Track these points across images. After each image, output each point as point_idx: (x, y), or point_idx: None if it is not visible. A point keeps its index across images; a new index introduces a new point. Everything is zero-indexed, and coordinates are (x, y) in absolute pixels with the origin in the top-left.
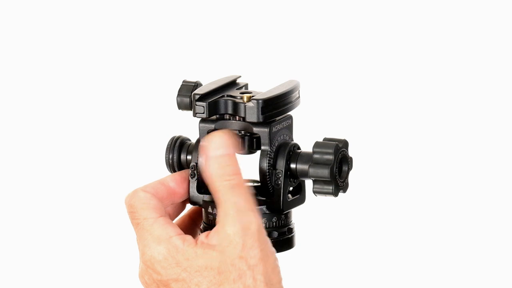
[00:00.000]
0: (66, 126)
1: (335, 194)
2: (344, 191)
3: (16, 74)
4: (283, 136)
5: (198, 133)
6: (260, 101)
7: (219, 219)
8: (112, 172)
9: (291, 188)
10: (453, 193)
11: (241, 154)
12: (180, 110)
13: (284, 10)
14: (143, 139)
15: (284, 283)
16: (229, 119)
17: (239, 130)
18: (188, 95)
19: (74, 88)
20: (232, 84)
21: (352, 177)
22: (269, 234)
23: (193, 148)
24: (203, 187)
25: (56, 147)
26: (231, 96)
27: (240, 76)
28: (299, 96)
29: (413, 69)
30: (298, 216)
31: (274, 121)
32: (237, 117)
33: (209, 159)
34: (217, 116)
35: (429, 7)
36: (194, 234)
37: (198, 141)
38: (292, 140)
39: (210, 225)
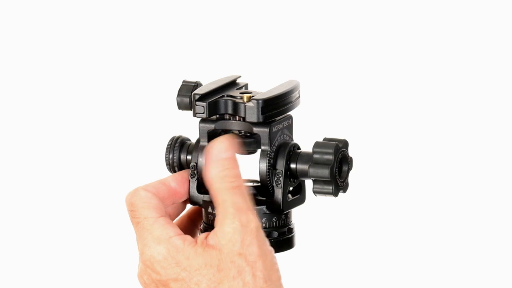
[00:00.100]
0: (67, 126)
1: (335, 194)
2: (344, 191)
3: (16, 75)
4: (283, 136)
5: (198, 133)
6: (260, 101)
7: (218, 219)
8: (112, 172)
9: (291, 188)
10: (453, 193)
11: (242, 154)
12: (180, 110)
13: (284, 10)
14: (143, 139)
15: (283, 282)
16: (229, 119)
17: (239, 130)
18: (188, 95)
19: (74, 88)
20: (232, 84)
21: (352, 177)
22: (269, 234)
23: (193, 148)
24: (203, 187)
25: (56, 147)
26: (231, 96)
27: (240, 76)
28: (299, 96)
29: (413, 69)
30: (298, 216)
31: (274, 121)
32: (237, 117)
33: (211, 162)
34: (217, 116)
35: (429, 7)
36: (193, 235)
37: (198, 141)
38: (292, 140)
39: (210, 225)
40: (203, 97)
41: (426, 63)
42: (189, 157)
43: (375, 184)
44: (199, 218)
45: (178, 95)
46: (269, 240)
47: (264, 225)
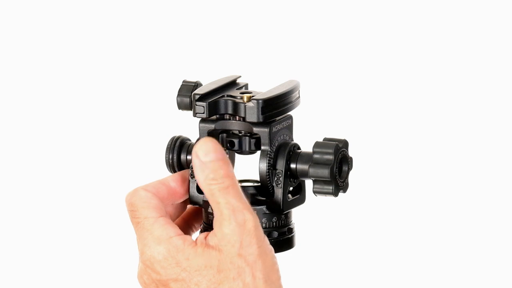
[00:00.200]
0: (67, 126)
1: (335, 194)
2: (344, 191)
3: (16, 75)
4: (283, 136)
5: (198, 133)
6: (260, 101)
7: (215, 221)
8: (112, 172)
9: (291, 188)
10: (453, 193)
11: (242, 154)
12: (180, 110)
13: (284, 10)
14: (143, 139)
15: (283, 282)
16: (229, 119)
17: (239, 130)
18: (188, 95)
19: (75, 89)
20: (232, 84)
21: (352, 177)
22: (269, 234)
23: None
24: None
25: (56, 147)
26: (231, 96)
27: (240, 76)
28: (299, 96)
29: (413, 69)
30: (298, 216)
31: (274, 121)
32: (237, 117)
33: (200, 164)
34: (217, 116)
35: (429, 7)
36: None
37: (198, 141)
38: (292, 140)
39: (210, 225)
40: (203, 97)
41: (426, 63)
42: (189, 157)
43: (375, 184)
44: (192, 219)
45: (178, 95)
46: (269, 240)
47: (264, 225)
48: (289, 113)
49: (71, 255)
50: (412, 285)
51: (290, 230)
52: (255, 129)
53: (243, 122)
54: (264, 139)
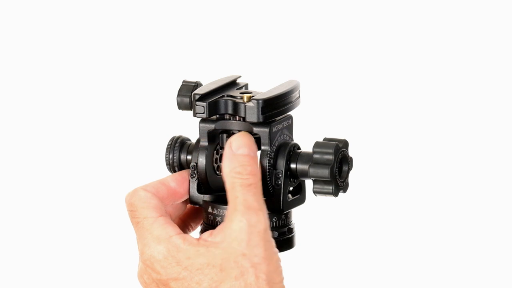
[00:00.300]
0: (67, 126)
1: (335, 194)
2: (344, 191)
3: (16, 75)
4: (283, 136)
5: (198, 133)
6: (260, 101)
7: (227, 215)
8: (112, 172)
9: (291, 188)
10: (453, 193)
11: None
12: (180, 110)
13: (284, 10)
14: (143, 139)
15: (284, 283)
16: (229, 119)
17: (239, 131)
18: (188, 95)
19: (75, 89)
20: (232, 84)
21: (352, 177)
22: None
23: (193, 148)
24: (203, 187)
25: (56, 147)
26: (231, 96)
27: (240, 76)
28: (299, 96)
29: (413, 69)
30: (298, 216)
31: (274, 121)
32: (237, 117)
33: (231, 155)
34: (217, 116)
35: (429, 7)
36: None
37: (198, 141)
38: (292, 140)
39: (210, 225)
40: (203, 97)
41: (426, 63)
42: (189, 157)
43: (375, 184)
44: (189, 219)
45: (178, 95)
46: None
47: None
48: (289, 113)
49: (71, 255)
50: (412, 285)
51: (290, 230)
52: (255, 129)
53: (243, 122)
54: (264, 139)
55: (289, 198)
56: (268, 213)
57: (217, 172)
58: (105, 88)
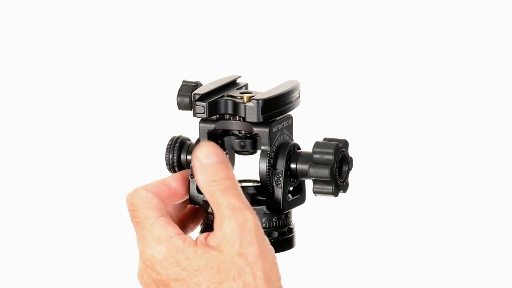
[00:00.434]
0: (67, 126)
1: (335, 194)
2: (344, 191)
3: (16, 75)
4: (283, 136)
5: (198, 133)
6: (260, 101)
7: (215, 221)
8: (112, 172)
9: (291, 188)
10: (453, 193)
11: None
12: (180, 110)
13: (284, 10)
14: (143, 139)
15: (283, 282)
16: (229, 119)
17: (239, 130)
18: (188, 95)
19: (75, 89)
20: (232, 84)
21: (352, 177)
22: (269, 234)
23: (193, 148)
24: None
25: (56, 147)
26: (231, 96)
27: (240, 76)
28: (299, 96)
29: (413, 69)
30: (298, 216)
31: (274, 121)
32: (237, 117)
33: (201, 167)
34: (217, 116)
35: (429, 7)
36: None
37: (198, 141)
38: (292, 140)
39: (210, 225)
40: (203, 97)
41: (426, 63)
42: (189, 157)
43: (375, 184)
44: (187, 219)
45: (178, 95)
46: (269, 240)
47: (264, 225)
48: (289, 113)
49: (71, 255)
50: (412, 285)
51: (290, 230)
52: (255, 129)
53: (243, 122)
54: (264, 139)
55: (289, 198)
56: (268, 213)
57: None
58: (105, 88)
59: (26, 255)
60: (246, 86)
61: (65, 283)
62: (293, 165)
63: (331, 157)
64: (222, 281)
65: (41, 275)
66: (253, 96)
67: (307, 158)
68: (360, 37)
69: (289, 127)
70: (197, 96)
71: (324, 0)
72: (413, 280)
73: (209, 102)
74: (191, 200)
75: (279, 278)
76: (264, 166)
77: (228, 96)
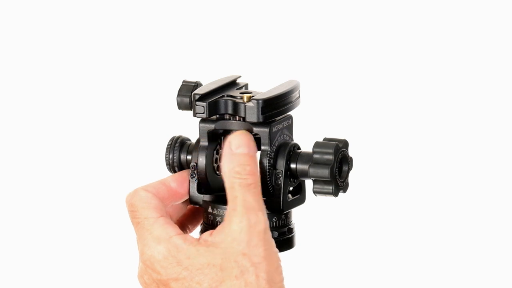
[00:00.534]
0: (67, 126)
1: (335, 194)
2: (344, 191)
3: (16, 75)
4: (283, 136)
5: (198, 133)
6: (260, 101)
7: (227, 215)
8: (112, 172)
9: (291, 188)
10: (453, 193)
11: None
12: (180, 110)
13: (284, 10)
14: (143, 139)
15: (284, 283)
16: (229, 119)
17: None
18: (188, 95)
19: (75, 89)
20: (232, 84)
21: (352, 177)
22: None
23: (193, 148)
24: (203, 187)
25: (56, 147)
26: (231, 96)
27: (240, 76)
28: (299, 96)
29: (413, 69)
30: (298, 216)
31: (274, 121)
32: (237, 117)
33: (230, 154)
34: (217, 116)
35: (429, 7)
36: None
37: (198, 141)
38: (292, 140)
39: (210, 225)
40: (203, 97)
41: (426, 63)
42: (189, 157)
43: (375, 184)
44: (186, 220)
45: (178, 95)
46: None
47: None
48: (289, 113)
49: (71, 255)
50: (412, 285)
51: (290, 230)
52: (255, 129)
53: (243, 122)
54: (264, 139)
55: (289, 198)
56: (268, 213)
57: (217, 172)
58: (105, 88)
59: (26, 255)
60: (246, 86)
61: (65, 283)
62: (293, 165)
63: (331, 157)
64: (224, 279)
65: (41, 275)
66: (253, 96)
67: (307, 158)
68: (360, 37)
69: (289, 127)
70: (197, 96)
71: (324, 0)
72: (413, 280)
73: (209, 102)
74: (191, 200)
75: (282, 280)
76: (264, 166)
77: (228, 96)
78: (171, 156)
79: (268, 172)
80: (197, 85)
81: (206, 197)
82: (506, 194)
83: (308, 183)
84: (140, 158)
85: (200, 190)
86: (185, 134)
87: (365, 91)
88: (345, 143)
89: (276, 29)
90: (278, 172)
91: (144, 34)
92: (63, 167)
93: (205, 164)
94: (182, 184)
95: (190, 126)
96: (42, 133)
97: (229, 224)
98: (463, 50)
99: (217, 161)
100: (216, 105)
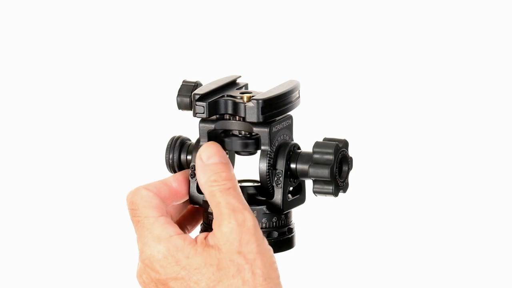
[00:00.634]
0: (67, 126)
1: (335, 194)
2: (344, 191)
3: (16, 75)
4: (283, 136)
5: (198, 133)
6: (260, 101)
7: (215, 221)
8: (112, 172)
9: (291, 188)
10: (453, 193)
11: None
12: (180, 110)
13: (284, 10)
14: (143, 139)
15: (283, 282)
16: (229, 119)
17: (239, 131)
18: (188, 95)
19: (75, 89)
20: (232, 84)
21: (352, 177)
22: (269, 234)
23: (193, 148)
24: None
25: (56, 147)
26: (231, 96)
27: (240, 76)
28: (299, 96)
29: (413, 69)
30: (298, 216)
31: (274, 121)
32: (237, 117)
33: (203, 166)
34: (217, 116)
35: (429, 7)
36: None
37: (198, 141)
38: (292, 140)
39: (210, 225)
40: (203, 97)
41: (426, 63)
42: (189, 157)
43: (375, 184)
44: (185, 220)
45: (178, 95)
46: (269, 240)
47: (264, 225)
48: (289, 113)
49: (71, 255)
50: (412, 285)
51: (290, 230)
52: (255, 129)
53: (243, 122)
54: (264, 139)
55: (289, 198)
56: (268, 213)
57: None
58: (105, 88)
59: (26, 255)
60: (246, 86)
61: (65, 283)
62: (293, 165)
63: (331, 157)
64: (221, 279)
65: (41, 275)
66: (253, 96)
67: (307, 158)
68: (360, 37)
69: (289, 127)
70: (197, 96)
71: (324, 0)
72: (413, 280)
73: (209, 102)
74: (191, 200)
75: (278, 276)
76: (264, 166)
77: (228, 96)
78: (171, 156)
79: (268, 172)
80: (197, 85)
81: None
82: (506, 194)
83: (308, 183)
84: (140, 158)
85: (200, 190)
86: (185, 134)
87: (365, 91)
88: (345, 143)
89: (276, 29)
90: (278, 172)
91: (144, 34)
92: (64, 167)
93: None
94: (183, 184)
95: (190, 126)
96: (42, 133)
97: (219, 228)
98: (463, 50)
99: None
100: (216, 105)
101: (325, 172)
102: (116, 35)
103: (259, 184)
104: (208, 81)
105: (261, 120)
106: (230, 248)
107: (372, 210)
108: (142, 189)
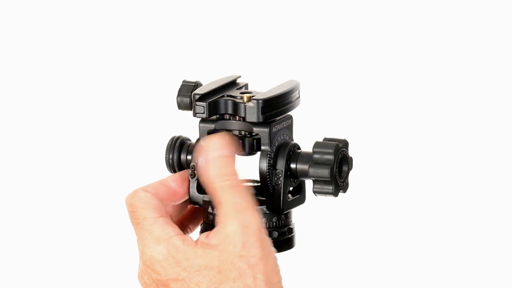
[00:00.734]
0: (67, 126)
1: (335, 194)
2: (344, 191)
3: (16, 75)
4: (283, 136)
5: (198, 133)
6: (260, 101)
7: (219, 219)
8: (112, 172)
9: (291, 188)
10: (453, 193)
11: (241, 155)
12: (180, 110)
13: (284, 10)
14: (143, 139)
15: (283, 283)
16: (229, 119)
17: (239, 131)
18: (188, 95)
19: (75, 89)
20: (232, 84)
21: (352, 177)
22: (269, 234)
23: (193, 148)
24: (203, 187)
25: (56, 147)
26: (231, 96)
27: (240, 76)
28: (299, 96)
29: (413, 69)
30: (298, 216)
31: (274, 121)
32: (237, 117)
33: (207, 160)
34: (217, 116)
35: (429, 7)
36: None
37: (198, 141)
38: (292, 140)
39: (210, 225)
40: (203, 97)
41: (426, 63)
42: (189, 157)
43: (375, 184)
44: (186, 220)
45: (178, 95)
46: None
47: (264, 225)
48: (289, 113)
49: (71, 255)
50: (412, 285)
51: (290, 230)
52: (255, 129)
53: (243, 122)
54: (264, 139)
55: (289, 198)
56: (268, 213)
57: None
58: (105, 88)
59: (26, 255)
60: (246, 86)
61: (65, 283)
62: (293, 165)
63: (331, 157)
64: (222, 282)
65: (41, 275)
66: (253, 96)
67: (307, 158)
68: (360, 37)
69: (289, 127)
70: (197, 96)
71: (324, 0)
72: (413, 280)
73: (209, 102)
74: (191, 200)
75: (279, 280)
76: (264, 166)
77: (228, 96)
78: (171, 156)
79: (268, 172)
80: (197, 85)
81: (206, 197)
82: (506, 193)
83: (308, 183)
84: (140, 158)
85: (200, 190)
86: (185, 134)
87: (365, 91)
88: (345, 143)
89: (276, 29)
90: (278, 172)
91: (144, 34)
92: (63, 167)
93: None
94: (182, 184)
95: (190, 126)
96: (42, 133)
97: (223, 228)
98: (463, 51)
99: None
100: (216, 105)
101: (325, 172)
102: (116, 36)
103: (259, 184)
104: (208, 81)
105: (261, 120)
106: (233, 250)
107: (372, 210)
108: (140, 191)
